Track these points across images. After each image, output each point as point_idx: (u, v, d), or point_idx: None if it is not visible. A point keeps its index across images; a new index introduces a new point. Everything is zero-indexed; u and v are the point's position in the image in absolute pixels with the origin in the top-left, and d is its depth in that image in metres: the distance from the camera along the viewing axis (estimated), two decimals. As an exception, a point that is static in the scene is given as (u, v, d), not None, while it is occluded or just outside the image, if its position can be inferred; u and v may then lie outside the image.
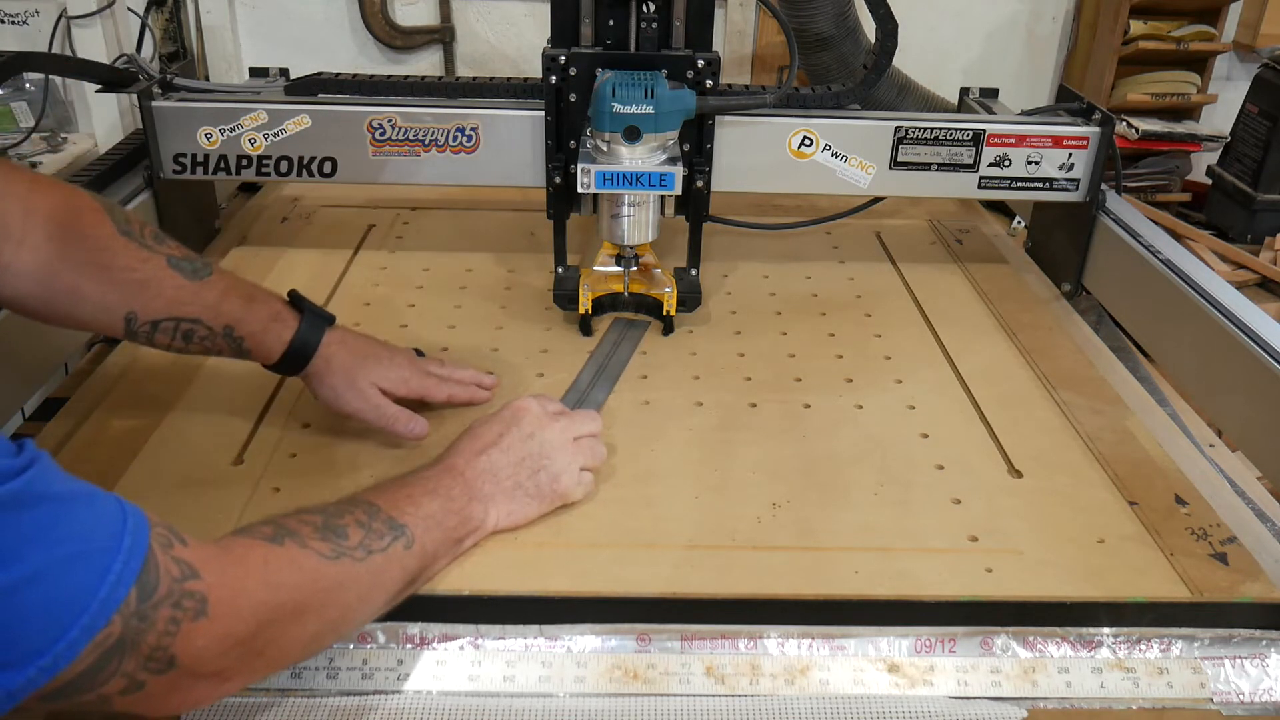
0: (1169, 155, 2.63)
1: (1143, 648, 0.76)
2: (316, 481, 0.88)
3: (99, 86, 1.28)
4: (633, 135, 0.99)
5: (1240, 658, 0.75)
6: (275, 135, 1.17)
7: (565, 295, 1.15)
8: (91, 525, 0.53)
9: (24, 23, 2.15)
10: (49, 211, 0.78)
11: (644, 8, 1.06)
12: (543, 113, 1.12)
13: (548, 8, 1.08)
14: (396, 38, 2.47)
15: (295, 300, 0.91)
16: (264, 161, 1.19)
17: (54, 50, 2.11)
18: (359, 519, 0.69)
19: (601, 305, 1.15)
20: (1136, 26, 2.50)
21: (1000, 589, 0.77)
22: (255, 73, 1.49)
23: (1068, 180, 1.23)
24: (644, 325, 1.16)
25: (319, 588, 0.64)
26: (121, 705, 0.55)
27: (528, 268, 1.30)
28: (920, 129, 1.19)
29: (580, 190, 1.01)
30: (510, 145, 1.18)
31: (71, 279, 0.79)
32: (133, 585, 0.53)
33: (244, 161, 1.19)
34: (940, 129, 1.20)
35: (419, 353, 1.00)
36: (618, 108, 0.98)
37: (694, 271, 1.19)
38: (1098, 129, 1.21)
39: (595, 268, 1.16)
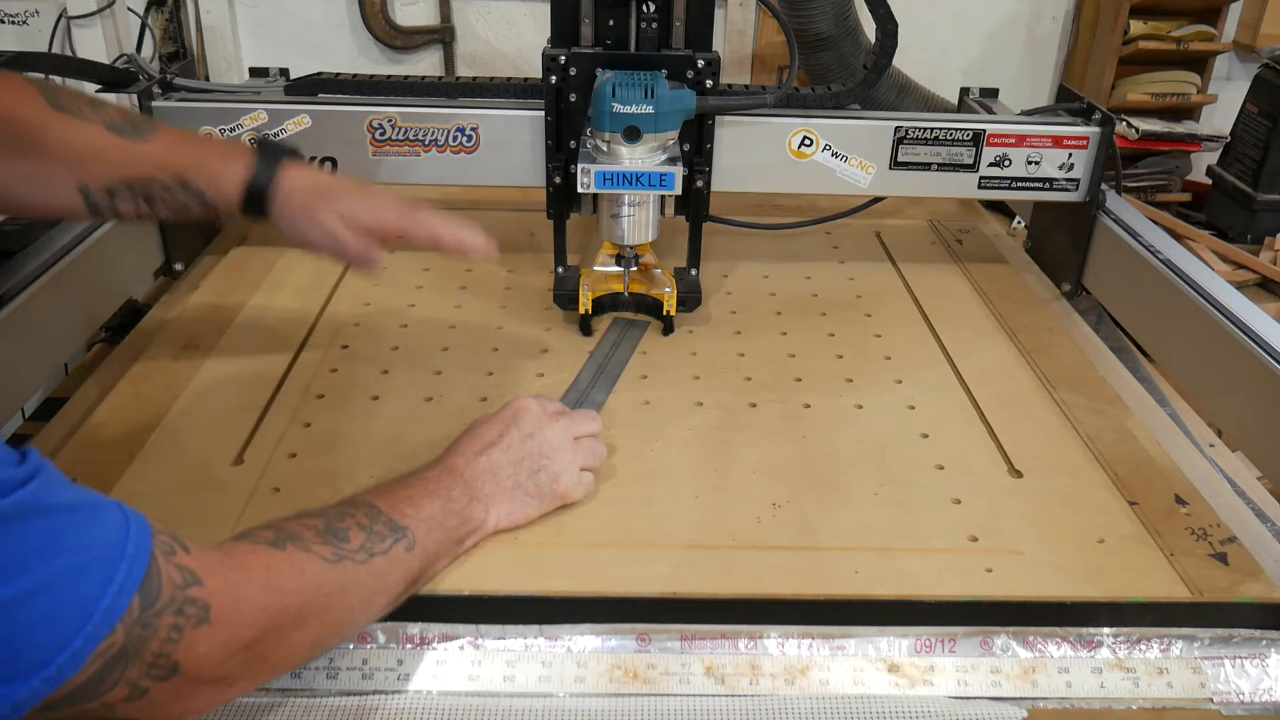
0: (1169, 155, 2.64)
1: (1143, 648, 0.76)
2: (316, 481, 0.88)
3: (99, 86, 1.27)
4: (633, 135, 0.99)
5: (1240, 658, 0.75)
6: (275, 135, 1.17)
7: (565, 295, 1.15)
8: (95, 535, 0.52)
9: (24, 23, 2.15)
10: None
11: (644, 8, 1.06)
12: (543, 113, 1.12)
13: (548, 8, 1.08)
14: (396, 38, 2.48)
15: (258, 143, 0.87)
16: (264, 161, 1.19)
17: (54, 50, 2.11)
18: (360, 521, 0.69)
19: (601, 305, 1.15)
20: (1136, 26, 2.50)
21: (1000, 589, 0.77)
22: (255, 73, 1.48)
23: (1068, 180, 1.23)
24: (643, 325, 1.16)
25: (321, 592, 0.64)
26: (124, 713, 0.55)
27: (528, 268, 1.30)
28: (920, 129, 1.19)
29: (580, 190, 1.01)
30: (510, 145, 1.18)
31: (16, 164, 0.77)
32: (136, 593, 0.52)
33: (244, 161, 1.19)
34: (940, 129, 1.20)
35: None
36: (618, 108, 0.98)
37: (694, 271, 1.19)
38: (1098, 129, 1.21)
39: (595, 268, 1.16)
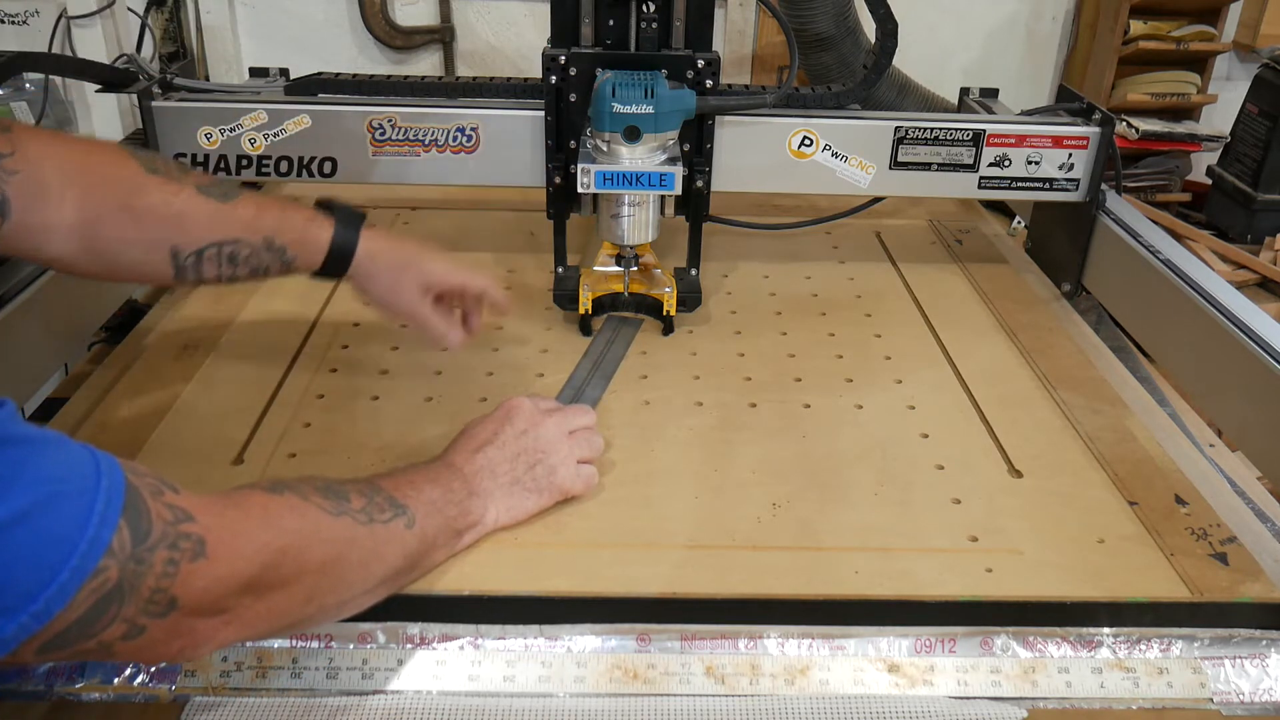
0: (1169, 155, 2.64)
1: (1143, 648, 0.76)
2: (316, 481, 0.88)
3: (99, 86, 1.27)
4: (633, 135, 0.99)
5: (1240, 658, 0.75)
6: (275, 135, 1.17)
7: (565, 295, 1.15)
8: (66, 467, 0.52)
9: (24, 23, 2.15)
10: (80, 165, 0.77)
11: (644, 8, 1.06)
12: (543, 113, 1.12)
13: (548, 8, 1.08)
14: (396, 38, 2.47)
15: (325, 204, 0.90)
16: (264, 161, 1.19)
17: (54, 50, 2.11)
18: (361, 490, 0.70)
19: (601, 305, 1.15)
20: (1136, 26, 2.50)
21: (1000, 589, 0.77)
22: (255, 73, 1.48)
23: (1068, 180, 1.23)
24: (638, 321, 1.16)
25: (321, 538, 0.64)
26: (124, 652, 0.55)
27: (528, 268, 1.30)
28: (920, 129, 1.19)
29: (580, 190, 1.01)
30: (510, 145, 1.18)
31: (113, 227, 0.78)
32: (117, 526, 0.52)
33: (244, 161, 1.19)
34: (940, 129, 1.20)
35: None
36: (618, 108, 0.98)
37: (694, 271, 1.19)
38: (1098, 129, 1.21)
39: (595, 268, 1.16)
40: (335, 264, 0.88)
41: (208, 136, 1.18)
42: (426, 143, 1.18)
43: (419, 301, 0.92)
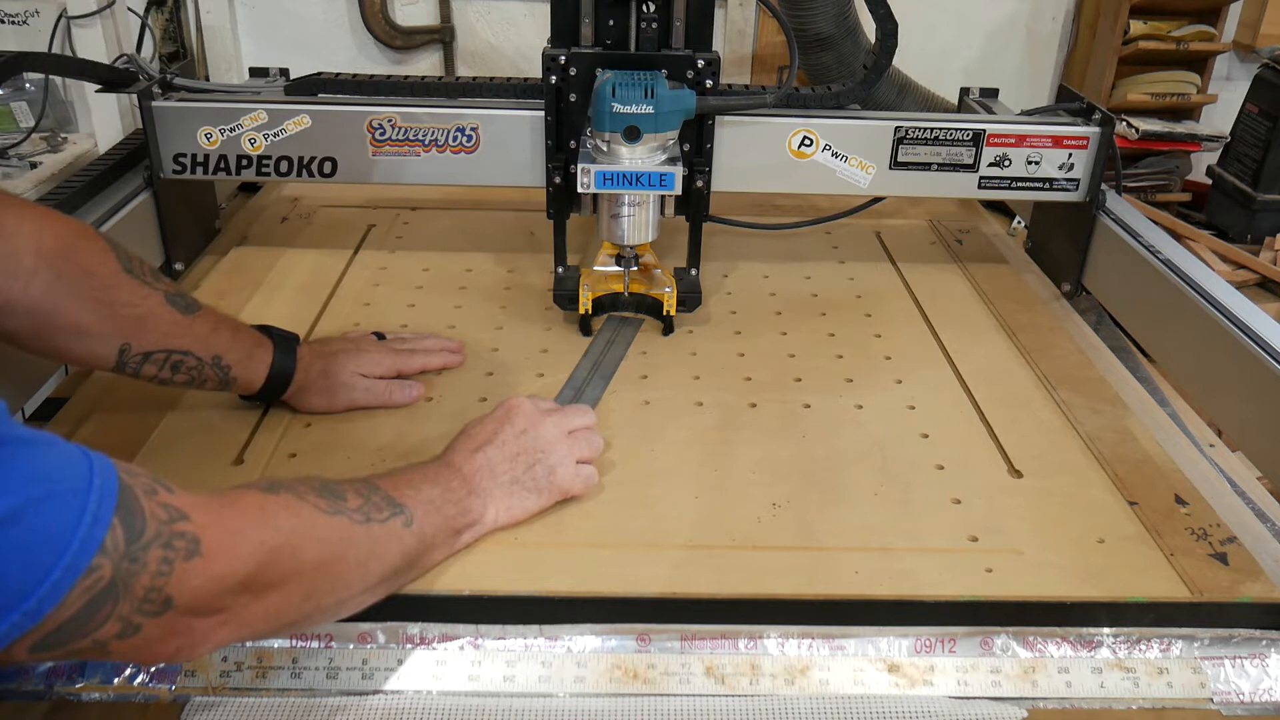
0: (1169, 155, 2.64)
1: (1143, 648, 0.76)
2: (316, 481, 0.88)
3: (99, 86, 1.27)
4: (633, 135, 0.99)
5: (1240, 658, 0.75)
6: (275, 135, 1.17)
7: (565, 295, 1.15)
8: (59, 467, 0.52)
9: (24, 23, 2.15)
10: (59, 249, 0.79)
11: (644, 8, 1.06)
12: (543, 113, 1.12)
13: (548, 8, 1.08)
14: (396, 38, 2.48)
15: (263, 331, 0.94)
16: (264, 161, 1.19)
17: (54, 50, 2.11)
18: (358, 490, 0.70)
19: (601, 305, 1.15)
20: (1136, 26, 2.51)
21: (1000, 589, 0.77)
22: (255, 73, 1.48)
23: (1068, 180, 1.23)
24: (638, 322, 1.16)
25: (317, 537, 0.65)
26: (119, 651, 0.55)
27: (528, 268, 1.30)
28: (920, 129, 1.19)
29: (580, 190, 1.01)
30: (510, 145, 1.18)
31: (75, 314, 0.80)
32: (110, 524, 0.52)
33: (244, 161, 1.19)
34: (940, 129, 1.20)
35: (380, 336, 1.05)
36: (618, 108, 0.98)
37: (694, 271, 1.19)
38: (1098, 129, 1.21)
39: (595, 268, 1.16)
40: (271, 389, 0.92)
41: (208, 136, 1.18)
42: (426, 143, 1.18)
43: (359, 398, 0.97)
